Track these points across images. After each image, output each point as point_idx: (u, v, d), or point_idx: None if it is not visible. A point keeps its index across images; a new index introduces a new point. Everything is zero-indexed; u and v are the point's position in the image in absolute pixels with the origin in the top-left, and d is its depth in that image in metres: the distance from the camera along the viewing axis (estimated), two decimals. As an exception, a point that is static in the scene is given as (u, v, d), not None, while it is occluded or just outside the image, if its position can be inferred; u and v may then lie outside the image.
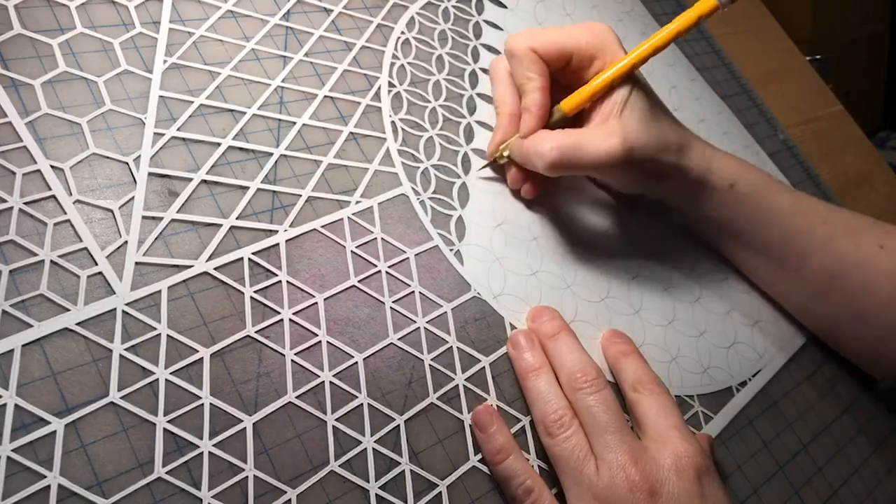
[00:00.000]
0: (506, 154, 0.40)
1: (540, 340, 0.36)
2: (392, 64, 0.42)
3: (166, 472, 0.26)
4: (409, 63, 0.42)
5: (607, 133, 0.37)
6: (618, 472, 0.30)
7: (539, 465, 0.33)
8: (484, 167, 0.41)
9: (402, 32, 0.43)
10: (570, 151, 0.37)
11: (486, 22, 0.47)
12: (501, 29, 0.47)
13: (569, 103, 0.38)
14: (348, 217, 0.35)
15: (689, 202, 0.42)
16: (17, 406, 0.25)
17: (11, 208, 0.28)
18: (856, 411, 0.45)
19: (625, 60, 0.37)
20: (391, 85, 0.41)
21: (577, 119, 0.39)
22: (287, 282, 0.32)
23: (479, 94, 0.44)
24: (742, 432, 0.40)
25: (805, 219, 0.41)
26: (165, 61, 0.35)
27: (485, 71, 0.45)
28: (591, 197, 0.43)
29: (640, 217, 0.44)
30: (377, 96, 0.40)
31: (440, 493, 0.31)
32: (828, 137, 0.62)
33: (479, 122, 0.43)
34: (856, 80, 1.52)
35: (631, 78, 0.38)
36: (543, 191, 0.41)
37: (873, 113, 1.66)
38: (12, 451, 0.25)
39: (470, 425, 0.33)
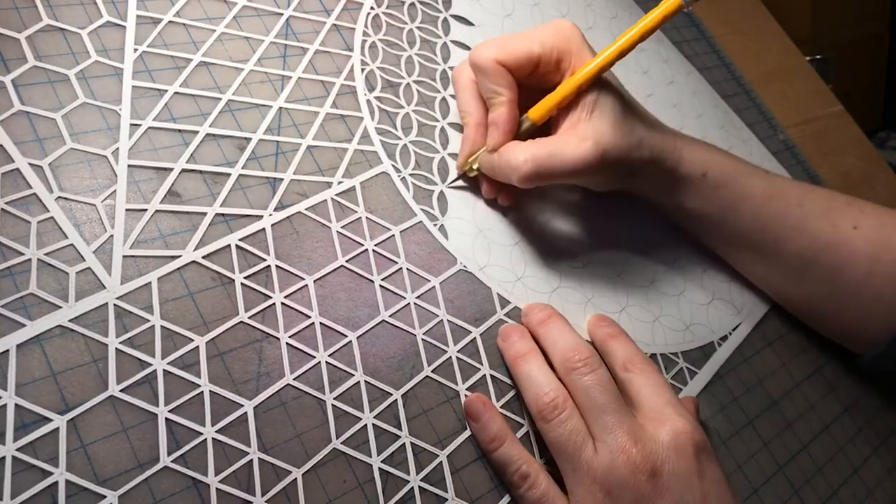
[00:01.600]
0: (475, 167, 0.39)
1: (531, 329, 0.36)
2: (363, 42, 0.42)
3: (171, 461, 0.27)
4: (380, 40, 0.42)
5: (579, 138, 0.36)
6: (618, 455, 0.30)
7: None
8: (455, 180, 0.40)
9: (372, 8, 0.43)
10: (545, 161, 0.35)
11: (455, -6, 0.47)
12: None
13: (537, 111, 0.37)
14: (331, 198, 0.36)
15: (663, 194, 0.42)
16: (17, 406, 0.25)
17: (-7, 209, 0.28)
18: (856, 411, 0.45)
19: (591, 65, 0.36)
20: (364, 63, 0.41)
21: (546, 125, 0.38)
22: (276, 266, 0.32)
23: (451, 69, 0.44)
24: (742, 432, 0.41)
25: (779, 202, 0.41)
26: (136, 50, 0.34)
27: (455, 43, 0.45)
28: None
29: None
30: (351, 75, 0.40)
31: (440, 462, 0.32)
32: (828, 137, 0.63)
33: (454, 96, 0.43)
34: (856, 80, 1.53)
35: (599, 80, 0.37)
36: (518, 198, 0.40)
37: (873, 113, 1.67)
38: (16, 450, 0.25)
39: (465, 394, 0.34)
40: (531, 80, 0.38)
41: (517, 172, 0.36)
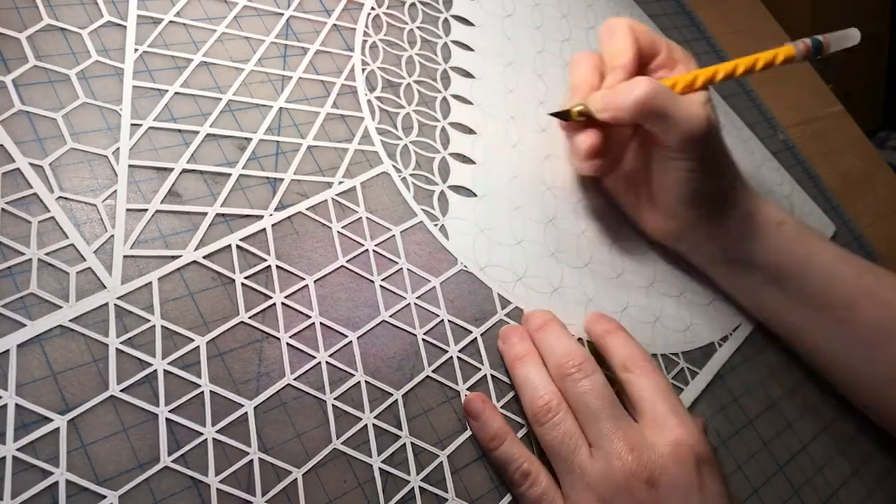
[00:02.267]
0: (578, 110, 0.38)
1: (530, 335, 0.35)
2: (364, 42, 0.42)
3: (172, 461, 0.27)
4: (380, 40, 0.42)
5: (699, 101, 0.37)
6: (613, 461, 0.30)
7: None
8: (558, 114, 0.39)
9: (372, 8, 0.43)
10: (665, 95, 0.36)
11: (455, -6, 0.47)
12: None
13: (670, 80, 0.39)
14: (332, 198, 0.36)
15: (733, 240, 0.40)
16: (17, 405, 0.25)
17: (-6, 209, 0.28)
18: (856, 411, 0.45)
19: (712, 68, 0.38)
20: (364, 63, 0.41)
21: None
22: (276, 266, 0.32)
23: (452, 69, 0.44)
24: (742, 432, 0.41)
25: (850, 266, 0.40)
26: (136, 50, 0.34)
27: (456, 43, 0.45)
28: (569, 166, 0.44)
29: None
30: (351, 75, 0.40)
31: (441, 462, 0.32)
32: (828, 137, 0.63)
33: (455, 96, 0.43)
34: (856, 80, 1.53)
35: (709, 90, 0.39)
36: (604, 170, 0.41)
37: (873, 113, 1.67)
38: (17, 450, 0.25)
39: (465, 394, 0.34)
40: (643, 72, 0.40)
41: (631, 95, 0.35)
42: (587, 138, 0.38)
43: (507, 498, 0.32)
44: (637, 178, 0.41)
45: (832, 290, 0.40)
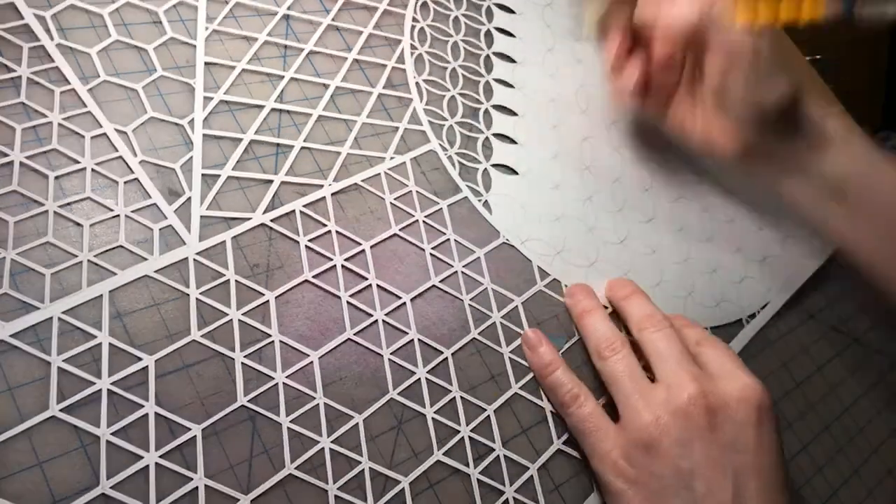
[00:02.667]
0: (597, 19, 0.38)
1: (615, 302, 0.38)
2: (413, 27, 0.44)
3: (248, 401, 0.29)
4: (428, 25, 0.44)
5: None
6: (675, 389, 0.31)
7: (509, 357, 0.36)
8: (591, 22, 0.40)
9: (420, -4, 0.45)
10: (719, 6, 0.35)
11: (497, -15, 0.49)
12: (511, -9, 0.49)
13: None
14: (384, 172, 0.38)
15: (802, 151, 0.39)
16: (111, 345, 0.28)
17: (84, 169, 0.31)
18: (856, 412, 0.46)
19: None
20: (413, 48, 0.43)
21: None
22: (336, 231, 0.35)
23: (495, 54, 0.46)
24: None
25: None
26: (207, 29, 0.37)
27: (499, 30, 0.47)
28: (609, 147, 0.46)
29: (652, 164, 0.47)
30: (401, 59, 0.42)
31: (487, 416, 0.34)
32: None
33: (497, 80, 0.45)
34: (856, 80, 1.53)
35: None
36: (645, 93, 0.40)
37: (873, 113, 1.67)
38: (112, 384, 0.27)
39: (509, 357, 0.36)
40: None
41: (680, 14, 0.35)
42: (631, 75, 0.39)
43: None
44: (694, 98, 0.40)
45: None
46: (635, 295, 0.38)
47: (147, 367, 0.28)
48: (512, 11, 0.48)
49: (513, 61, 0.46)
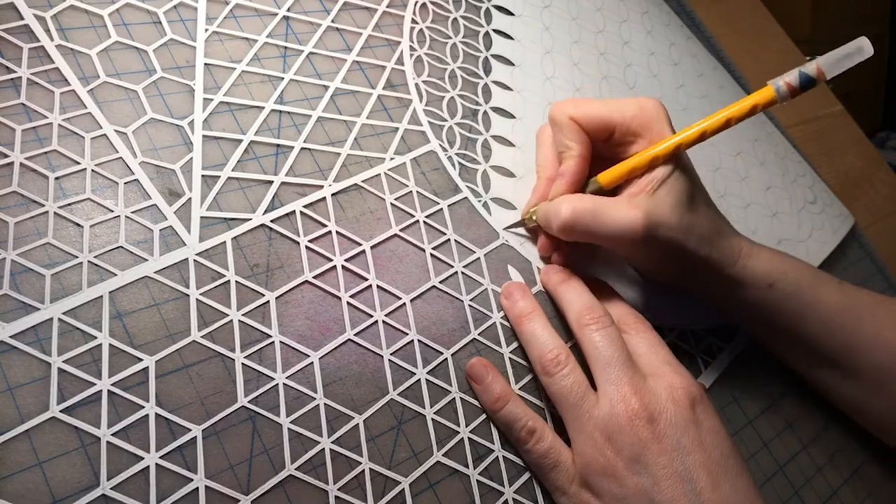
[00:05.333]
0: (534, 218, 0.39)
1: (550, 287, 0.38)
2: (412, 28, 0.44)
3: (248, 402, 0.29)
4: (427, 27, 0.44)
5: (632, 205, 0.35)
6: (618, 403, 0.32)
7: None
8: (514, 225, 0.40)
9: (419, -2, 0.45)
10: (587, 216, 0.35)
11: (496, -14, 0.49)
12: (510, -7, 0.49)
13: (606, 176, 0.38)
14: (384, 172, 0.38)
15: (722, 299, 0.40)
16: (111, 346, 0.28)
17: (85, 170, 0.31)
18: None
19: (670, 140, 0.36)
20: (412, 49, 0.43)
21: (613, 195, 0.38)
22: (336, 232, 0.35)
23: (493, 56, 0.46)
24: (742, 432, 0.41)
25: (852, 314, 0.40)
26: (207, 30, 0.37)
27: (497, 32, 0.47)
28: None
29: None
30: (400, 60, 0.42)
31: (487, 417, 0.34)
32: (828, 137, 0.63)
33: (496, 82, 0.45)
34: (856, 80, 1.53)
35: (674, 159, 0.36)
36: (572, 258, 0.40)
37: (873, 113, 1.68)
38: (112, 384, 0.27)
39: (509, 357, 0.36)
40: (606, 148, 0.39)
41: (557, 219, 0.36)
42: (543, 249, 0.40)
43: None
44: None
45: (830, 339, 0.41)
46: (572, 280, 0.37)
47: (147, 367, 0.28)
48: (511, 13, 0.48)
49: (511, 64, 0.46)
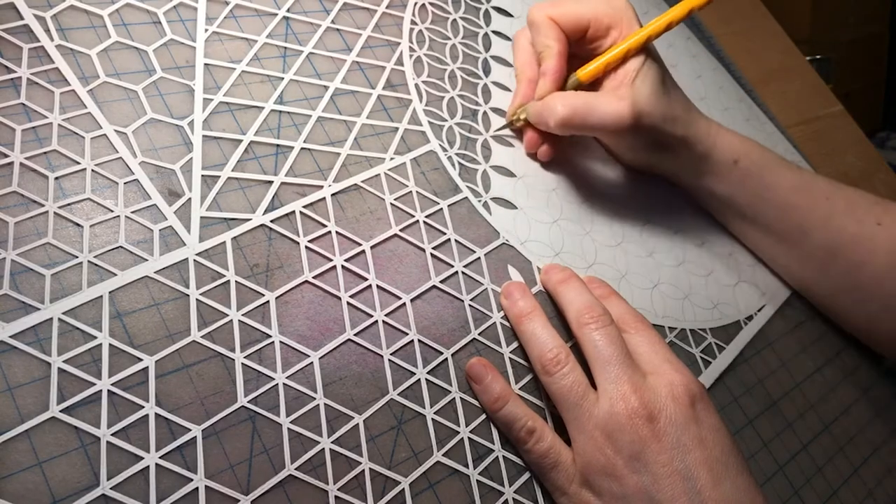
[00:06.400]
0: (522, 117, 0.42)
1: (550, 287, 0.38)
2: (411, 29, 0.44)
3: (248, 402, 0.29)
4: (426, 28, 0.44)
5: (618, 97, 0.39)
6: (618, 402, 0.32)
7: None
8: (501, 128, 0.43)
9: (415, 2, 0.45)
10: (582, 110, 0.39)
11: (495, -13, 0.49)
12: (509, -6, 0.49)
13: (585, 71, 0.41)
14: (384, 172, 0.38)
15: (693, 176, 0.44)
16: (111, 346, 0.28)
17: (84, 169, 0.30)
18: (856, 412, 0.46)
19: (640, 33, 0.40)
20: (412, 50, 0.43)
21: (593, 88, 0.42)
22: (336, 232, 0.35)
23: (492, 57, 0.46)
24: (742, 432, 0.41)
25: (807, 196, 0.43)
26: (206, 30, 0.37)
27: (496, 34, 0.47)
28: (603, 154, 0.46)
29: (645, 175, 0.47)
30: (400, 61, 0.42)
31: (487, 417, 0.34)
32: (828, 137, 0.63)
33: (495, 83, 0.45)
34: (856, 80, 1.53)
35: (645, 50, 0.40)
36: (558, 154, 0.43)
37: (873, 113, 1.68)
38: (112, 385, 0.27)
39: (509, 357, 0.36)
40: (580, 46, 0.42)
41: (554, 116, 0.39)
42: (530, 145, 0.43)
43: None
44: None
45: (786, 219, 0.44)
46: (571, 280, 0.37)
47: (147, 367, 0.28)
48: (510, 15, 0.48)
49: (510, 65, 0.46)
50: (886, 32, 1.66)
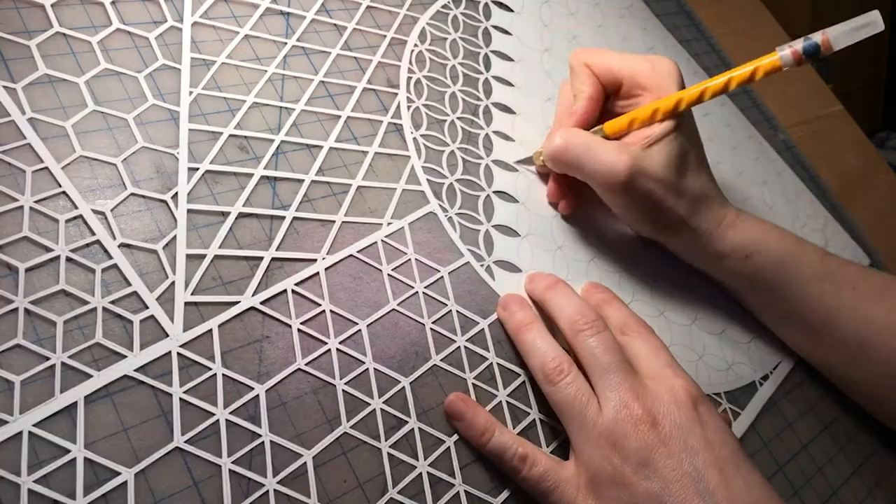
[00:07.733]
0: (542, 159, 0.41)
1: (537, 294, 0.37)
2: (409, 78, 0.42)
3: (236, 513, 0.27)
4: (424, 77, 0.42)
5: (621, 150, 0.37)
6: (621, 409, 0.31)
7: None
8: (524, 161, 0.42)
9: (416, 45, 0.43)
10: (578, 148, 0.37)
11: (495, 28, 0.47)
12: (510, 34, 0.47)
13: (611, 124, 0.39)
14: (381, 240, 0.36)
15: (698, 262, 0.41)
16: (87, 459, 0.25)
17: (59, 257, 0.28)
18: (856, 412, 0.45)
19: (674, 97, 0.37)
20: (409, 101, 0.41)
21: None
22: (330, 311, 0.32)
23: (494, 104, 0.44)
24: (742, 432, 0.40)
25: (831, 285, 0.40)
26: (191, 93, 0.34)
27: (497, 79, 0.45)
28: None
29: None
30: (397, 113, 0.40)
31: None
32: (828, 137, 0.62)
33: (497, 133, 0.43)
34: (856, 80, 1.52)
35: (678, 118, 0.37)
36: (579, 209, 0.41)
37: (873, 113, 1.67)
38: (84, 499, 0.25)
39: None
40: (615, 102, 0.41)
41: (550, 146, 0.38)
42: (550, 190, 0.41)
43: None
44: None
45: (808, 309, 0.40)
46: (559, 285, 0.36)
47: (126, 481, 0.26)
48: (510, 60, 0.46)
49: (511, 112, 0.44)
50: (886, 32, 1.65)
